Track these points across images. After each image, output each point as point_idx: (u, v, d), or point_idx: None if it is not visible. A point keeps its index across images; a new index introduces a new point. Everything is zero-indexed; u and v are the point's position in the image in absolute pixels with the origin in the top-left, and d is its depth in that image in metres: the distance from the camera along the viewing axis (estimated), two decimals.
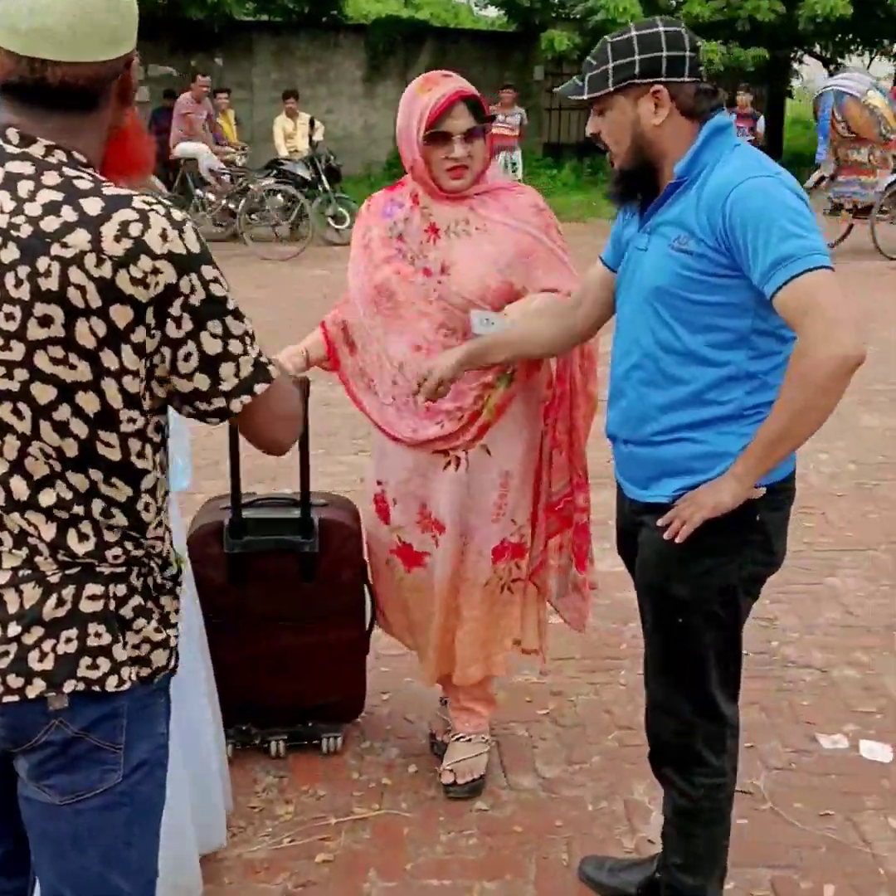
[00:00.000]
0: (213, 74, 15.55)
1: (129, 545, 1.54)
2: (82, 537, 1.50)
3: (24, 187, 1.40)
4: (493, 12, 24.75)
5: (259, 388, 1.50)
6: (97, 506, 1.49)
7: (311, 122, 13.37)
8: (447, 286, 2.58)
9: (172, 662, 1.64)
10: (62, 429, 1.44)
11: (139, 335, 1.41)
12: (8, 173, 1.41)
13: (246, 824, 2.84)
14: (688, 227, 2.03)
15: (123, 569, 1.54)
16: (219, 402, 1.49)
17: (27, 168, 1.42)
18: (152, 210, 1.42)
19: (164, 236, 1.40)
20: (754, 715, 3.29)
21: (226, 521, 2.89)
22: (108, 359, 1.41)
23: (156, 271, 1.40)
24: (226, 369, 1.47)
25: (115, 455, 1.47)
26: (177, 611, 1.67)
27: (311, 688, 3.01)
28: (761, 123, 15.07)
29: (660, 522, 2.11)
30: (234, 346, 1.48)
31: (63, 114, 1.46)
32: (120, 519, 1.51)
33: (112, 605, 1.53)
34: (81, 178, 1.43)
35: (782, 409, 1.96)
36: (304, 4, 20.67)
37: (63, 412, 1.43)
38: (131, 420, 1.46)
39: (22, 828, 1.69)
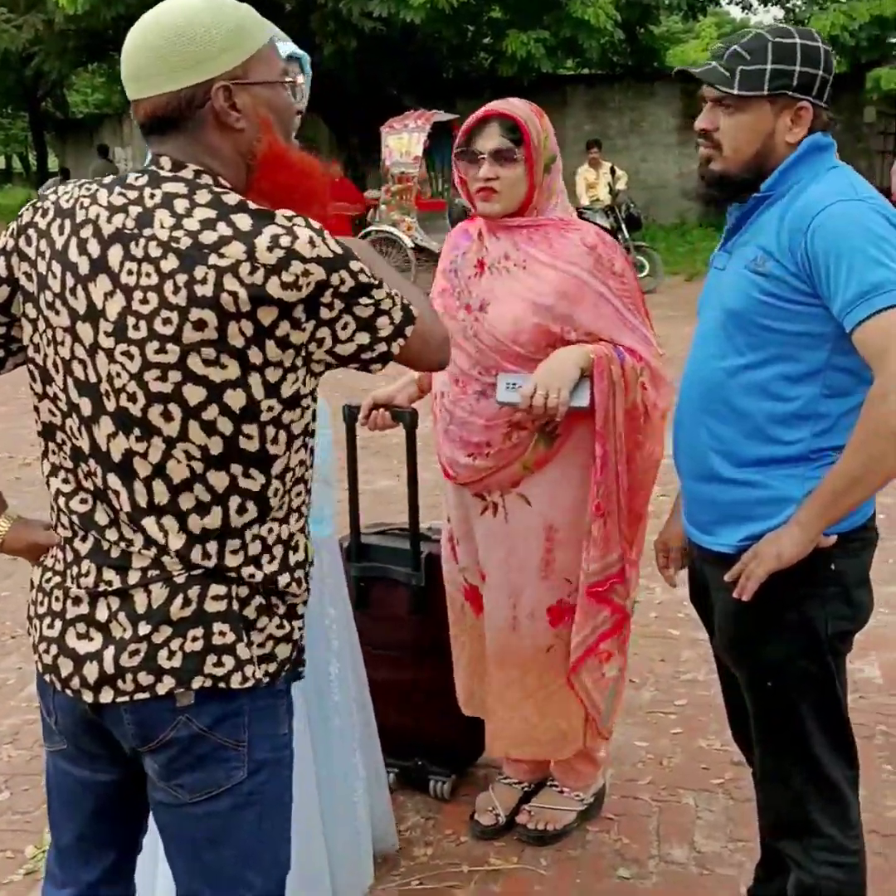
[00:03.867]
0: None
1: (247, 569, 1.59)
2: (205, 556, 1.57)
3: (181, 205, 1.52)
4: None
5: (409, 329, 1.63)
6: (234, 502, 1.57)
7: (612, 171, 13.42)
8: (482, 324, 2.47)
9: (295, 654, 1.69)
10: (209, 427, 1.53)
11: (283, 329, 1.52)
12: (165, 193, 1.53)
13: (381, 861, 2.79)
14: (767, 248, 1.89)
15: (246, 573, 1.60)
16: (381, 347, 1.62)
17: (181, 188, 1.54)
18: (295, 224, 1.52)
19: (311, 243, 1.51)
20: None
21: (346, 544, 2.92)
22: (254, 355, 1.51)
23: (307, 273, 1.50)
24: (381, 321, 1.60)
25: (253, 446, 1.56)
26: (305, 602, 1.71)
27: (419, 724, 2.93)
28: None
29: (727, 578, 1.95)
30: (385, 304, 1.60)
31: (172, 137, 1.57)
32: (251, 511, 1.59)
33: (236, 606, 1.59)
34: (228, 194, 1.54)
35: (852, 456, 1.80)
36: (627, 58, 20.91)
37: (211, 411, 1.52)
38: (270, 408, 1.55)
39: (127, 838, 1.80)
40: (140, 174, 1.57)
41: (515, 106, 2.47)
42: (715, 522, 2.02)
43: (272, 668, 1.63)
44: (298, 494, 1.66)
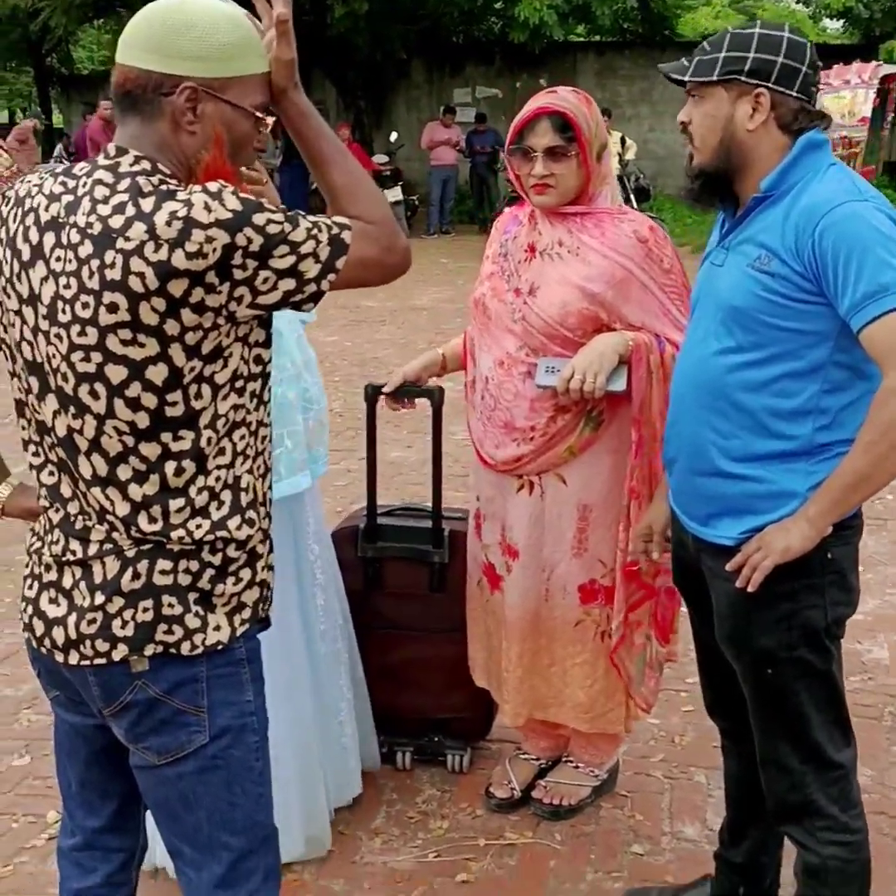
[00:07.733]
0: None
1: (194, 520, 1.63)
2: (151, 520, 1.63)
3: (101, 192, 1.55)
4: (837, 24, 23.72)
5: (340, 262, 1.61)
6: (170, 467, 1.61)
7: (622, 141, 13.36)
8: (531, 307, 2.51)
9: (265, 592, 1.76)
10: (135, 403, 1.57)
11: (196, 296, 1.53)
12: (95, 180, 1.57)
13: (399, 833, 2.86)
14: (771, 247, 1.91)
15: (193, 547, 1.64)
16: (310, 288, 1.61)
17: (108, 176, 1.57)
18: (192, 194, 1.53)
19: (207, 208, 1.51)
20: None
21: (361, 526, 2.95)
22: (171, 327, 1.54)
23: (210, 239, 1.50)
24: (305, 265, 1.58)
25: (178, 411, 1.59)
26: (263, 540, 1.74)
27: (434, 701, 2.99)
28: None
29: (729, 567, 1.98)
30: (305, 247, 1.58)
31: (131, 119, 1.61)
32: (189, 469, 1.62)
33: (184, 580, 1.65)
34: (150, 181, 1.56)
35: (861, 454, 1.83)
36: (639, 25, 20.69)
37: (135, 388, 1.56)
38: (192, 369, 1.58)
39: (126, 788, 1.86)
40: (85, 164, 1.62)
41: (565, 99, 2.49)
42: (715, 515, 2.05)
43: (247, 614, 1.71)
44: (242, 438, 1.68)
